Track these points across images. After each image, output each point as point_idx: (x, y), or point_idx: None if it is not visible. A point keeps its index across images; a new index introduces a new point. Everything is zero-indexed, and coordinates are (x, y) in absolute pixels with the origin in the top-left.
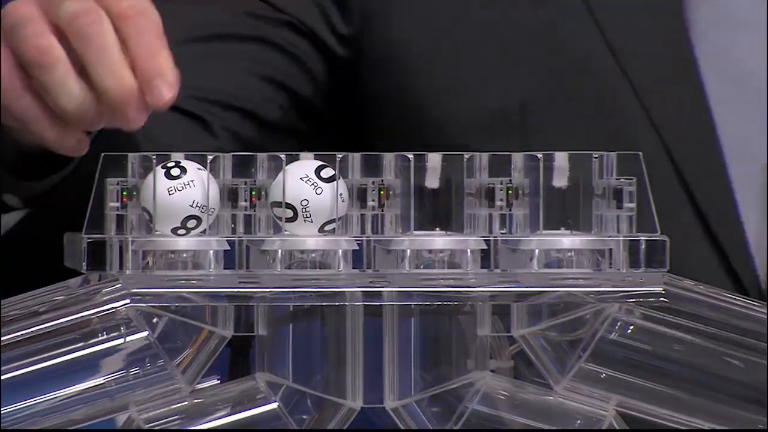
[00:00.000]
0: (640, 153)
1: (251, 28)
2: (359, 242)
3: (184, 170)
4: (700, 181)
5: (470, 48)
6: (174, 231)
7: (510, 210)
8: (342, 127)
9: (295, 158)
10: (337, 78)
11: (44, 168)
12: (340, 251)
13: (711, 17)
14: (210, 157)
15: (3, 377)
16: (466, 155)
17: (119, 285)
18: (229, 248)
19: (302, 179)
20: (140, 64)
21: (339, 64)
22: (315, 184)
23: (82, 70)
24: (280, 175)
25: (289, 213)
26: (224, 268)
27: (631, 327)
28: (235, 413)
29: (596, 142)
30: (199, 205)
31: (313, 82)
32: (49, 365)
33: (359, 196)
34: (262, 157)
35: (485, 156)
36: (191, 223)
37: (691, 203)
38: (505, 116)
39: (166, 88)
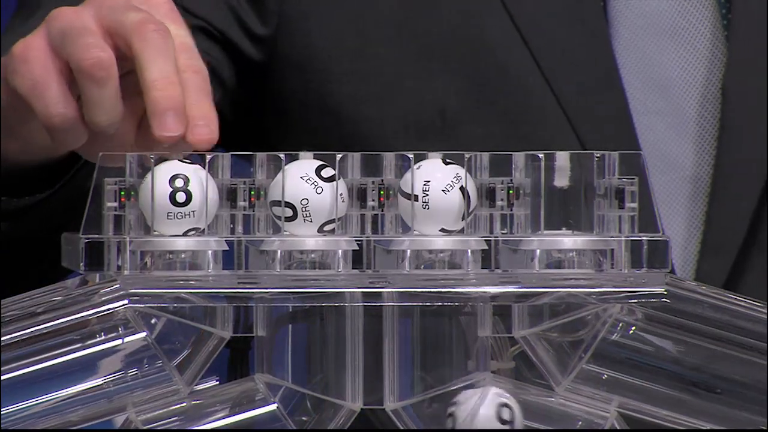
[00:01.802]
0: (642, 152)
1: None
2: (359, 242)
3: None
4: None
5: (389, 54)
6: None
7: (511, 210)
8: (245, 133)
9: (295, 158)
10: (247, 83)
11: (25, 186)
12: (340, 251)
13: (634, 25)
14: (209, 157)
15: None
16: (467, 155)
17: (117, 285)
18: (227, 248)
19: (302, 178)
20: (188, 107)
21: (251, 69)
22: (315, 184)
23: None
24: (280, 174)
25: (289, 212)
26: (223, 269)
27: (633, 328)
28: (234, 414)
29: (516, 150)
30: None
31: (221, 87)
32: (46, 366)
33: (359, 196)
34: (261, 156)
35: (486, 155)
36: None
37: None
38: (424, 122)
39: (207, 130)
